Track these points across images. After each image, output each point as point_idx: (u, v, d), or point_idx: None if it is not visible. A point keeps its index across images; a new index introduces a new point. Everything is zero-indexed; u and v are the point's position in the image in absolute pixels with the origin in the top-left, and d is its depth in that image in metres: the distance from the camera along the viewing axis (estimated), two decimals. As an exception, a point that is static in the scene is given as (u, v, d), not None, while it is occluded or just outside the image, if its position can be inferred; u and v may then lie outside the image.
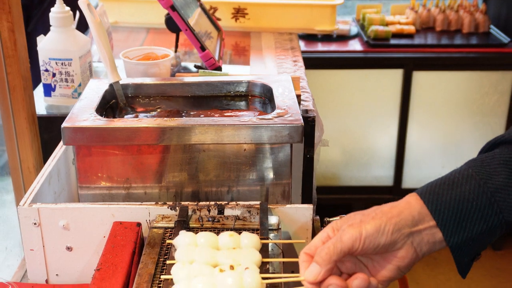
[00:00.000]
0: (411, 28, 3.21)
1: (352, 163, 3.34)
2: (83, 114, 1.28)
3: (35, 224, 1.21)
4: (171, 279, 0.99)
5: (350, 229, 0.90)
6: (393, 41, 3.13)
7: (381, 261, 0.93)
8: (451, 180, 0.95)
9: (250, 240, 1.06)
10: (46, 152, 1.58)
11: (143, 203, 1.21)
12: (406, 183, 3.33)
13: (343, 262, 0.94)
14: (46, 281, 1.25)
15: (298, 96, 1.49)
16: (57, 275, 1.25)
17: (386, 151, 3.29)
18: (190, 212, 1.18)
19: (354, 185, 3.35)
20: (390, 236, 0.90)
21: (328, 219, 1.29)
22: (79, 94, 1.65)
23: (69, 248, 1.23)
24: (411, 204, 0.93)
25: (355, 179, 3.35)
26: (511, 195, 0.93)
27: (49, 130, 1.60)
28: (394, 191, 3.33)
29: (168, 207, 1.20)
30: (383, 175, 3.33)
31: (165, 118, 1.29)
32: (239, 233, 1.08)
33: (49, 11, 1.62)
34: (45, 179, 1.30)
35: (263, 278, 0.97)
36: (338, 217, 1.29)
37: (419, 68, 3.05)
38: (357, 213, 0.94)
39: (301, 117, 1.25)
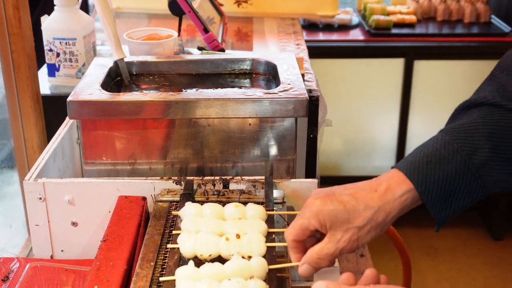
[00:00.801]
0: (412, 18, 3.24)
1: (354, 153, 3.37)
2: (88, 89, 1.29)
3: (40, 199, 1.21)
4: (177, 248, 0.99)
5: (349, 245, 0.97)
6: (394, 31, 3.15)
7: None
8: (436, 157, 0.98)
9: (256, 211, 1.06)
10: (49, 132, 1.59)
11: (148, 178, 1.22)
12: None
13: None
14: (51, 256, 1.26)
15: (302, 76, 1.50)
16: (62, 250, 1.25)
17: (387, 141, 3.32)
18: (195, 187, 1.19)
19: (356, 175, 3.34)
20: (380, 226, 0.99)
21: None
22: (83, 74, 1.64)
23: (74, 224, 1.23)
24: (405, 200, 0.98)
25: (357, 169, 3.37)
26: (494, 170, 0.97)
27: (53, 110, 1.61)
28: None
29: (173, 182, 1.20)
30: (384, 165, 3.34)
31: (171, 92, 1.30)
32: (245, 205, 1.09)
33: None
34: (50, 156, 1.31)
35: (269, 247, 0.98)
36: None
37: (420, 57, 3.07)
38: (344, 216, 0.97)
39: (306, 92, 1.26)
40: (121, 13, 2.33)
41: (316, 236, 1.00)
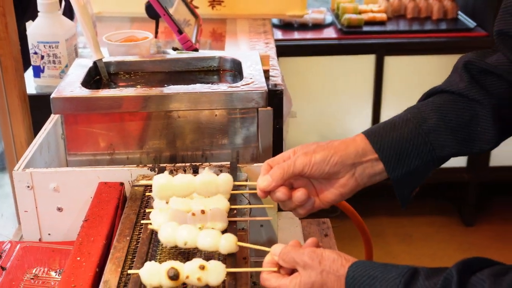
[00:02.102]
0: (383, 16, 3.30)
1: None
2: (70, 87, 1.38)
3: (28, 187, 1.29)
4: (150, 223, 1.09)
5: (303, 156, 1.06)
6: (365, 28, 3.22)
7: (326, 185, 1.10)
8: (392, 123, 1.10)
9: (224, 182, 1.14)
10: (36, 128, 1.62)
11: (126, 166, 1.31)
12: None
13: (296, 180, 1.10)
14: (39, 239, 1.32)
15: (267, 71, 1.60)
16: (49, 234, 1.32)
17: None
18: (167, 172, 1.29)
19: None
20: (333, 166, 1.06)
21: None
22: (65, 74, 1.74)
23: (59, 209, 1.31)
24: (357, 142, 1.08)
25: None
26: (441, 135, 1.09)
27: (39, 108, 1.63)
28: None
29: (148, 169, 1.30)
30: None
31: (145, 88, 1.39)
32: None
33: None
34: (37, 149, 1.38)
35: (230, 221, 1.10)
36: None
37: (390, 53, 3.14)
38: (314, 143, 1.10)
39: (265, 85, 1.36)
40: (103, 17, 2.38)
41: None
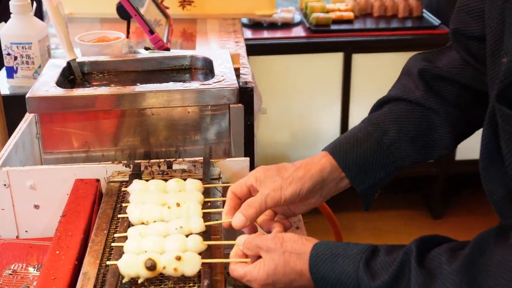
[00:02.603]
0: (350, 15, 3.34)
1: (299, 144, 3.41)
2: (45, 86, 1.39)
3: (5, 185, 1.30)
4: (127, 217, 1.13)
5: (273, 193, 1.08)
6: (333, 27, 3.25)
7: (298, 204, 1.14)
8: (355, 138, 1.14)
9: (194, 185, 1.20)
10: (10, 128, 1.61)
11: (101, 162, 1.34)
12: None
13: None
14: (17, 237, 1.34)
15: (237, 69, 1.63)
16: (26, 231, 1.34)
17: (330, 131, 3.36)
18: (142, 168, 1.31)
19: None
20: (304, 196, 1.10)
21: None
22: (39, 74, 1.74)
23: (36, 206, 1.32)
24: (323, 164, 1.12)
25: (303, 157, 3.40)
26: (401, 147, 1.14)
27: (13, 108, 1.63)
28: None
29: (123, 165, 1.32)
30: None
31: (119, 87, 1.41)
32: (185, 180, 1.22)
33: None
34: (12, 148, 1.39)
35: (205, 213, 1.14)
36: None
37: (358, 51, 3.18)
38: (275, 169, 1.12)
39: (236, 82, 1.39)
40: (74, 18, 2.38)
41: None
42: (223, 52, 1.60)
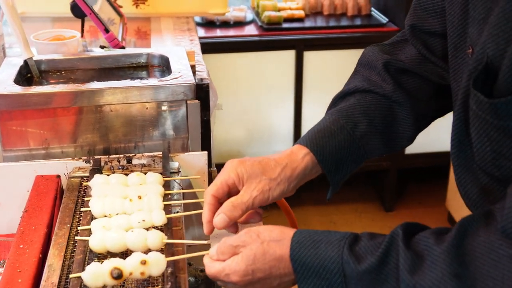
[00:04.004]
0: (301, 13, 3.37)
1: (255, 140, 3.44)
2: (2, 84, 1.39)
3: None
4: (90, 211, 1.14)
5: (261, 195, 1.08)
6: (285, 25, 3.27)
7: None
8: (329, 131, 1.16)
9: (154, 178, 1.23)
10: None
11: (61, 159, 1.36)
12: None
13: None
14: None
15: (193, 66, 1.65)
16: None
17: (284, 126, 3.40)
18: (102, 164, 1.34)
19: None
20: (289, 193, 1.12)
21: None
22: None
23: None
24: (307, 164, 1.12)
25: (258, 154, 3.28)
26: (371, 139, 1.18)
27: None
28: None
29: (83, 161, 1.35)
30: (283, 149, 3.43)
31: (77, 84, 1.42)
32: (145, 174, 1.24)
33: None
34: None
35: (166, 205, 1.17)
36: None
37: (309, 48, 3.21)
38: (260, 171, 1.10)
39: (193, 78, 1.42)
40: (26, 17, 2.35)
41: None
42: (178, 50, 1.62)
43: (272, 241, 0.98)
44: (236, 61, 3.25)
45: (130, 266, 0.98)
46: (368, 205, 3.74)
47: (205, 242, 1.07)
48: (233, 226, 1.10)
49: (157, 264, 1.00)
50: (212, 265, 1.01)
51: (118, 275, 0.97)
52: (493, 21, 0.90)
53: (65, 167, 1.35)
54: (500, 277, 0.83)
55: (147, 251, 1.04)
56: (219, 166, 3.09)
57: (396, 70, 1.21)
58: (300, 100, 3.36)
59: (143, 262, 0.99)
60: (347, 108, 1.19)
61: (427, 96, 1.23)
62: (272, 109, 3.40)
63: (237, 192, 1.09)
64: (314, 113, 3.39)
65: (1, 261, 1.25)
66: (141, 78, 1.55)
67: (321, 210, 3.67)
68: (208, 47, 3.03)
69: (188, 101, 1.44)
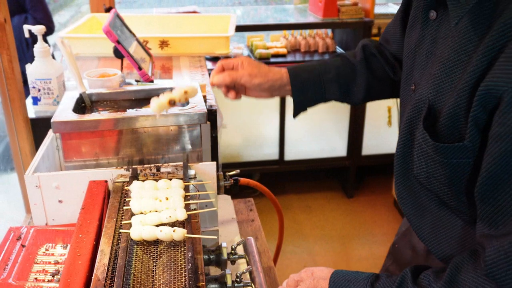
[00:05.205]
0: (284, 50, 3.41)
1: (250, 145, 3.46)
2: (64, 113, 1.40)
3: (36, 186, 1.31)
4: (130, 209, 1.16)
5: (247, 76, 1.24)
6: (272, 60, 3.30)
7: (254, 91, 1.30)
8: (309, 68, 1.27)
9: (177, 183, 1.23)
10: (36, 142, 1.66)
11: (107, 168, 1.36)
12: (287, 156, 3.48)
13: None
14: (46, 224, 1.36)
15: (205, 96, 1.67)
16: (53, 219, 1.35)
17: (272, 136, 3.43)
18: (138, 171, 1.33)
19: (252, 160, 3.46)
20: (263, 90, 1.26)
21: (228, 173, 1.50)
22: (58, 102, 1.74)
23: (60, 201, 1.34)
24: (284, 78, 1.25)
25: (252, 156, 3.46)
26: (332, 86, 1.26)
27: (38, 127, 1.66)
28: (280, 163, 3.49)
29: (124, 170, 1.34)
30: (271, 152, 3.47)
31: (118, 112, 1.43)
32: (170, 180, 1.25)
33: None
34: (40, 159, 1.40)
35: (186, 204, 1.18)
36: (234, 171, 1.51)
37: None
38: (258, 64, 1.25)
39: (205, 108, 1.42)
40: (80, 57, 2.37)
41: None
42: (194, 85, 1.62)
43: (321, 279, 0.99)
44: (235, 87, 3.24)
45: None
46: (335, 193, 3.76)
47: (214, 237, 1.09)
48: (225, 89, 1.26)
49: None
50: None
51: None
52: (435, 72, 0.89)
53: (110, 174, 1.34)
54: None
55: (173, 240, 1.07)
56: (224, 165, 3.10)
57: (370, 53, 1.28)
58: (283, 115, 3.38)
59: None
60: (329, 61, 1.29)
61: (383, 79, 1.29)
62: (263, 123, 3.42)
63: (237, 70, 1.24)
64: (294, 126, 3.44)
65: (64, 245, 1.26)
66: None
67: (300, 198, 3.69)
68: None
69: (202, 124, 1.45)
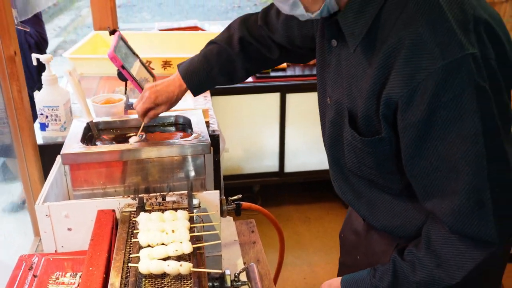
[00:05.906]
0: (284, 64, 3.36)
1: (250, 158, 3.47)
2: (73, 144, 1.44)
3: (46, 215, 1.35)
4: (137, 241, 1.20)
5: (161, 107, 1.47)
6: (272, 74, 3.29)
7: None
8: (196, 70, 1.46)
9: (182, 214, 1.27)
10: (44, 168, 1.67)
11: (115, 197, 1.39)
12: (287, 168, 3.49)
13: None
14: (55, 250, 1.39)
15: (207, 122, 1.71)
16: (62, 247, 1.38)
17: (272, 149, 3.43)
18: (145, 201, 1.37)
19: (252, 172, 3.47)
20: (172, 104, 1.46)
21: (230, 198, 1.55)
22: (65, 128, 1.77)
23: (69, 229, 1.37)
24: (182, 88, 1.45)
25: (253, 168, 3.47)
26: (217, 77, 1.46)
27: (45, 153, 1.68)
28: (279, 175, 3.50)
29: (131, 199, 1.38)
30: (271, 164, 3.48)
31: (124, 144, 1.46)
32: (176, 211, 1.29)
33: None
34: (50, 186, 1.44)
35: (191, 236, 1.23)
36: (236, 196, 1.56)
37: (291, 91, 3.24)
38: (161, 85, 1.45)
39: (208, 138, 1.45)
40: (84, 76, 2.41)
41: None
42: (197, 113, 1.65)
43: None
44: (237, 101, 3.27)
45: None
46: (333, 205, 3.75)
47: (218, 271, 1.13)
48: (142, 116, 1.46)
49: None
50: None
51: None
52: (346, 85, 1.11)
53: (118, 203, 1.38)
54: (458, 253, 1.05)
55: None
56: (225, 177, 3.11)
57: (246, 42, 1.43)
58: (283, 129, 3.39)
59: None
60: (213, 55, 1.44)
61: (261, 57, 1.46)
62: (263, 136, 3.42)
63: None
64: (294, 138, 3.44)
65: (73, 273, 1.29)
66: (171, 133, 1.59)
67: (299, 209, 3.70)
68: (217, 91, 3.07)
69: (205, 154, 1.48)
